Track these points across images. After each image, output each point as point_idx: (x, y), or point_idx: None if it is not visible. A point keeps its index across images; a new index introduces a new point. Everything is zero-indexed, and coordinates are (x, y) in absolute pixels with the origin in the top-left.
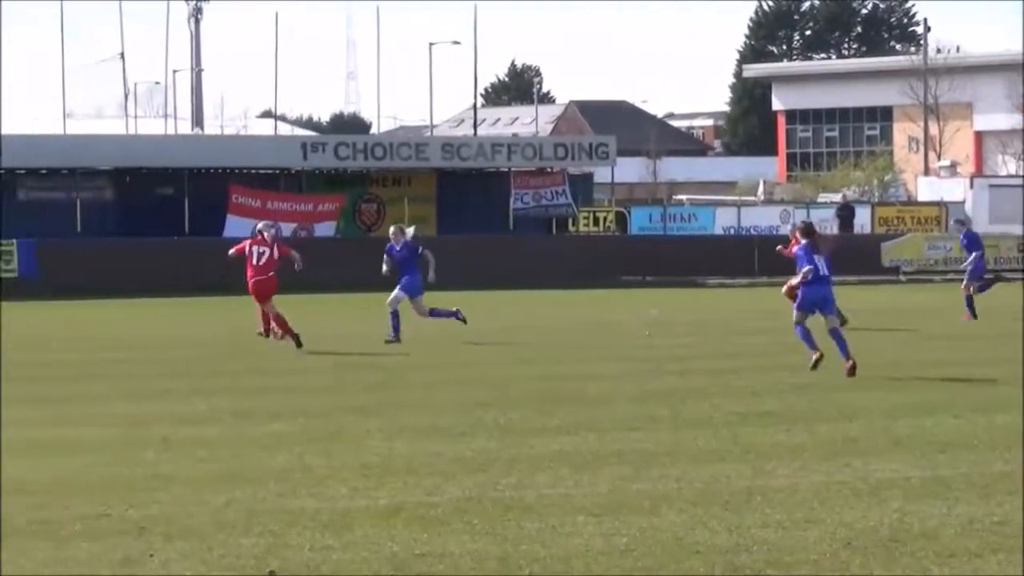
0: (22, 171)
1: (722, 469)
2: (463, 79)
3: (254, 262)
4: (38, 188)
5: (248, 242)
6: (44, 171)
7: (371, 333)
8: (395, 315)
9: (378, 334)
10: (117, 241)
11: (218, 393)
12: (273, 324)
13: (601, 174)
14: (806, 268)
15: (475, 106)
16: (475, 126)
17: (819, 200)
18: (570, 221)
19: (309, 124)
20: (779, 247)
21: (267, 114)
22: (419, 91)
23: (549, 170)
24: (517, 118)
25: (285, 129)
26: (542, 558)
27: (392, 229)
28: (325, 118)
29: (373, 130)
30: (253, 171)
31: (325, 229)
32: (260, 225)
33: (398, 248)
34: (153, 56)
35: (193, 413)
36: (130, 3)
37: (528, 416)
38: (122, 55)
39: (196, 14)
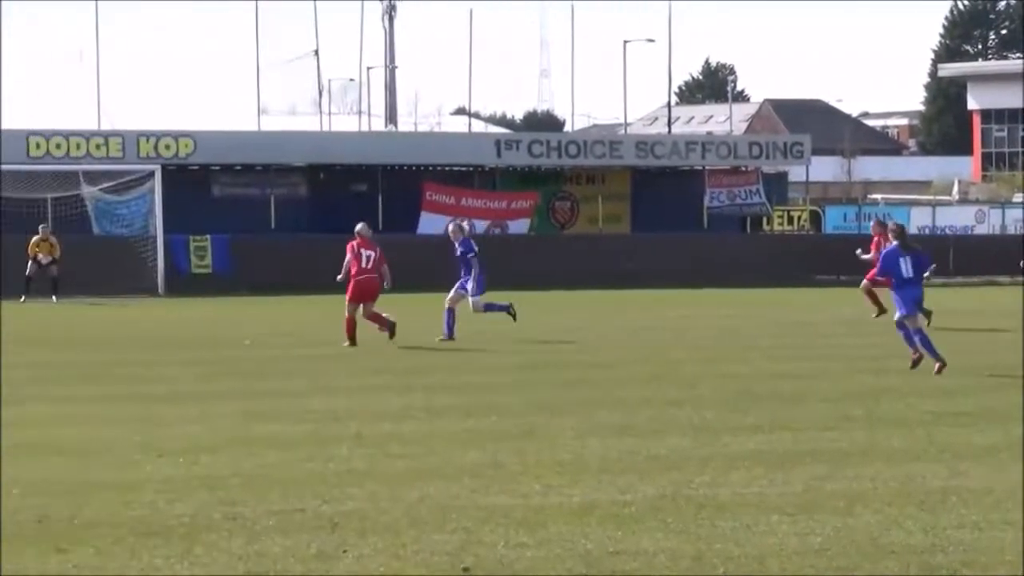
0: (216, 167)
1: (917, 469)
2: (657, 77)
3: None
4: (232, 184)
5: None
6: (239, 167)
7: (562, 329)
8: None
9: (568, 331)
10: (310, 237)
11: (413, 390)
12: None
13: (795, 173)
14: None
15: (669, 104)
16: (669, 124)
17: (1014, 200)
18: (764, 220)
19: (503, 121)
20: (859, 251)
21: (461, 111)
22: (613, 89)
23: (743, 169)
24: (711, 116)
25: (479, 126)
26: (736, 557)
27: (451, 227)
28: (519, 116)
29: (566, 128)
30: (447, 168)
31: (519, 226)
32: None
33: (458, 246)
34: (347, 53)
35: (387, 410)
36: (324, 1)
37: (721, 414)
38: (316, 52)
39: (390, 11)
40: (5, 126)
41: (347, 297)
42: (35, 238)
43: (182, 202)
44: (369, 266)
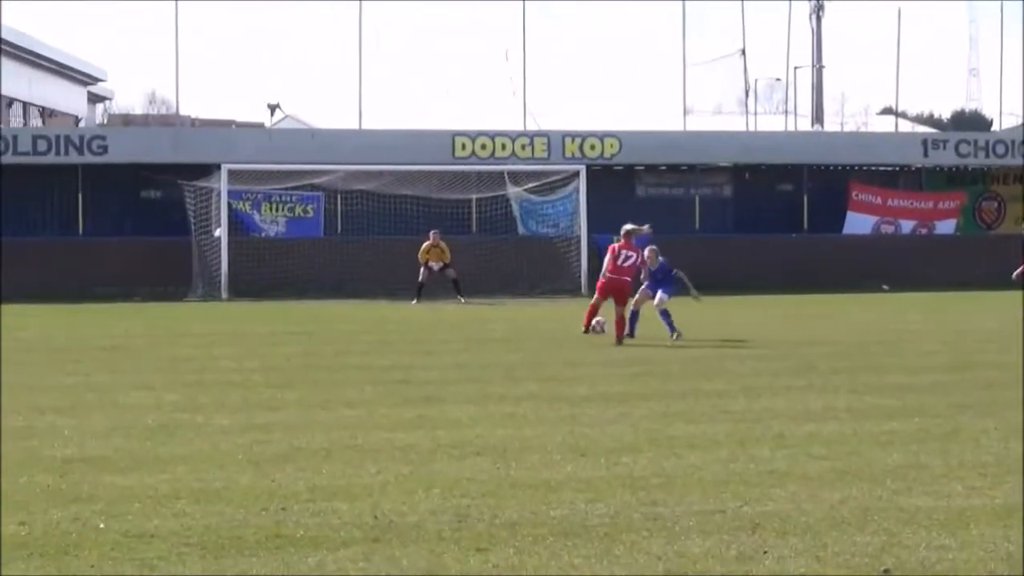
0: (641, 167)
1: None
2: None
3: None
4: (657, 184)
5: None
6: (663, 167)
7: (981, 329)
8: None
9: (986, 332)
10: (735, 237)
11: (836, 391)
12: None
13: None
14: None
15: None
16: None
17: None
18: None
19: (929, 121)
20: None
21: (888, 111)
22: None
23: None
24: None
25: (906, 126)
26: None
27: (648, 253)
28: (946, 115)
29: (994, 127)
30: (873, 168)
31: (946, 227)
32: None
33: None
34: (774, 52)
35: (808, 410)
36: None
37: None
38: (743, 51)
39: (818, 11)
40: (431, 126)
41: (596, 292)
42: (426, 244)
43: (606, 202)
44: (625, 265)
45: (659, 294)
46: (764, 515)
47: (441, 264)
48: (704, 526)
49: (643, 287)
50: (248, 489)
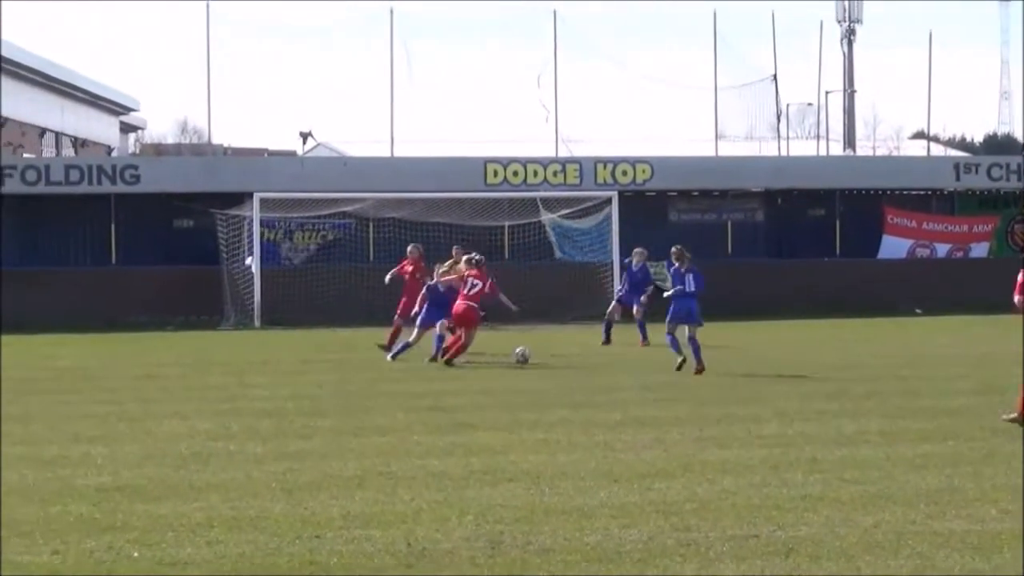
0: (673, 193)
1: None
2: None
3: (465, 291)
4: (689, 210)
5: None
6: (695, 193)
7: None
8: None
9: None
10: (767, 262)
11: (868, 415)
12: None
13: None
14: None
15: None
16: None
17: None
18: None
19: (961, 144)
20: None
21: (920, 135)
22: None
23: None
24: None
25: (938, 150)
26: None
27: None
28: (978, 138)
29: None
30: (905, 192)
31: (979, 250)
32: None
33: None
34: (806, 77)
35: (841, 434)
36: (783, 25)
37: None
38: (775, 76)
39: (849, 35)
40: (463, 153)
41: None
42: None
43: (639, 228)
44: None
45: (635, 306)
46: (798, 540)
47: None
48: (738, 551)
49: (619, 297)
50: (281, 517)
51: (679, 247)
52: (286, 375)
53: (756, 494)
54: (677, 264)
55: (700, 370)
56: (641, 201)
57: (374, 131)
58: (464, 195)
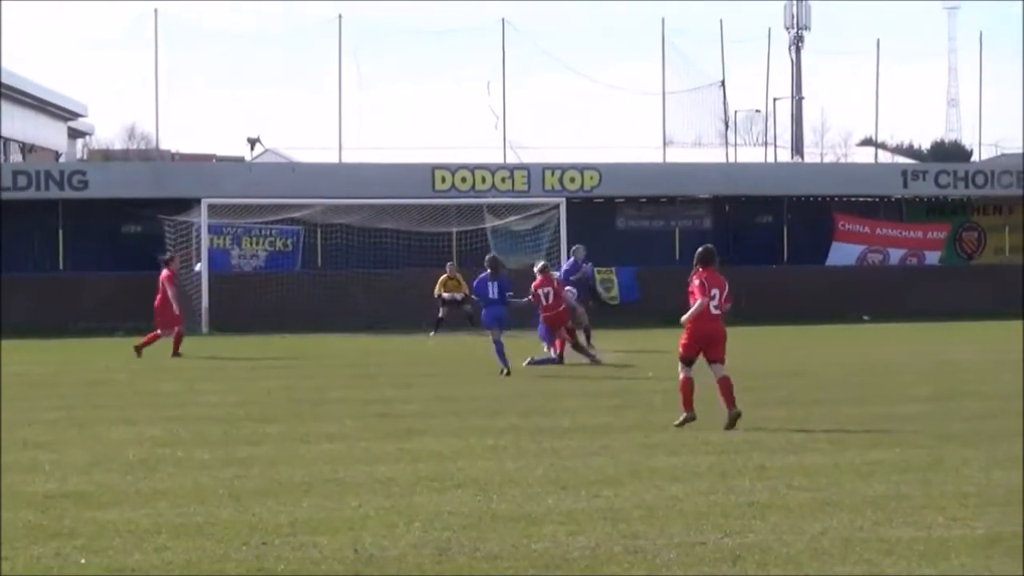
0: (621, 199)
1: None
2: None
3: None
4: (637, 216)
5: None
6: (643, 199)
7: (964, 360)
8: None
9: (970, 361)
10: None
11: (815, 421)
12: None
13: None
14: None
15: None
16: None
17: None
18: None
19: (909, 152)
20: None
21: (867, 142)
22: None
23: None
24: None
25: (885, 157)
26: None
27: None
28: (926, 146)
29: (974, 157)
30: (852, 199)
31: (931, 257)
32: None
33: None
34: (754, 84)
35: (789, 441)
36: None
37: None
38: (723, 83)
39: (797, 42)
40: (411, 160)
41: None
42: (443, 276)
43: (587, 234)
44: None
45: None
46: (745, 547)
47: (456, 296)
48: (685, 558)
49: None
50: (229, 524)
51: (493, 255)
52: (235, 381)
53: (704, 501)
54: (489, 272)
55: (505, 371)
56: (589, 208)
57: (322, 137)
58: (412, 201)
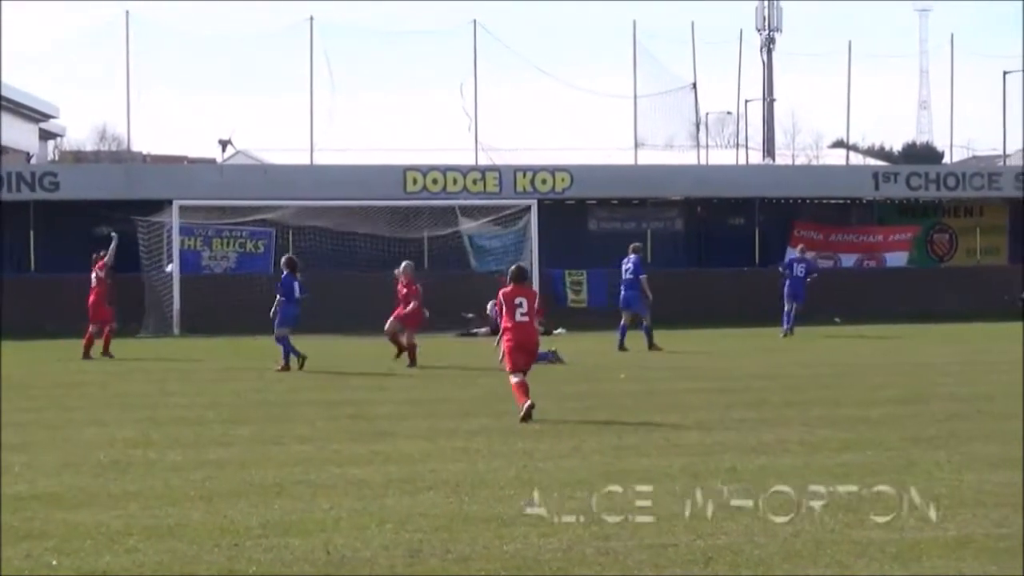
0: (593, 201)
1: None
2: None
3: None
4: (609, 218)
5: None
6: (615, 201)
7: (939, 362)
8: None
9: (945, 364)
10: (687, 271)
11: (789, 424)
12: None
13: None
14: None
15: None
16: None
17: None
18: None
19: (881, 154)
20: None
21: (839, 144)
22: (993, 120)
23: None
24: None
25: (856, 159)
26: None
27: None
28: (897, 147)
29: (945, 160)
30: (824, 201)
31: (896, 260)
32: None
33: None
34: (725, 86)
35: (761, 443)
36: (703, 32)
37: None
38: (694, 85)
39: (769, 44)
40: (382, 161)
41: None
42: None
43: (558, 236)
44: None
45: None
46: (717, 548)
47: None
48: (657, 560)
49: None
50: (200, 525)
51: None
52: (206, 383)
53: (675, 503)
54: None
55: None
56: (561, 210)
57: (294, 139)
58: (383, 203)
